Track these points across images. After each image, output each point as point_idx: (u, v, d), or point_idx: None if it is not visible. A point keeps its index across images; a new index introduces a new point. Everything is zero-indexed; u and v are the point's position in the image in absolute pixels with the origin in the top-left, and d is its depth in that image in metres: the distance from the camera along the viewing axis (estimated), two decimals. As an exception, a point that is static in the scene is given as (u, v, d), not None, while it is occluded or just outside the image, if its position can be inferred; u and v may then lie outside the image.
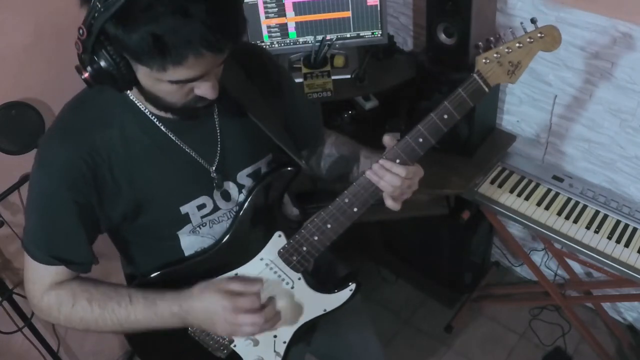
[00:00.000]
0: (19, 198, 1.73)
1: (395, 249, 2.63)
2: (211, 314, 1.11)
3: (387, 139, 1.12)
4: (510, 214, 1.93)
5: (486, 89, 1.09)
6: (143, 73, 0.93)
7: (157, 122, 1.06)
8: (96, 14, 0.87)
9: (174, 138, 1.08)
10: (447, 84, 1.91)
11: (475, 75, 1.08)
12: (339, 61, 2.10)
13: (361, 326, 1.51)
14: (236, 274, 1.20)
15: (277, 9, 1.99)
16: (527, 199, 1.96)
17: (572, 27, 1.83)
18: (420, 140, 1.10)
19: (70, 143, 1.03)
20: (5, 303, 1.81)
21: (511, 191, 1.99)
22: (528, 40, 1.07)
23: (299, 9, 2.00)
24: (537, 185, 2.01)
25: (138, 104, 1.05)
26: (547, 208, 1.93)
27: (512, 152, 2.18)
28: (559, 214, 1.91)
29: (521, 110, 2.14)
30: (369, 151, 1.30)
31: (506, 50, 1.07)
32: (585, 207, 1.93)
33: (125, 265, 1.31)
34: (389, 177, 1.10)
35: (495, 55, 1.08)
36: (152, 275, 1.18)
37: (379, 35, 2.06)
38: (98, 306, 1.11)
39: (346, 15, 2.01)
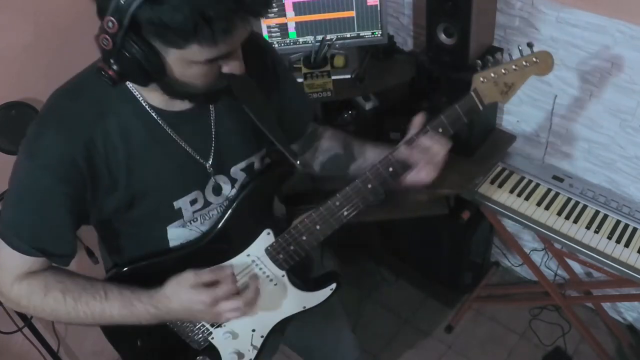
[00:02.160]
0: (19, 198, 1.73)
1: (395, 249, 2.63)
2: (191, 311, 1.11)
3: (418, 118, 1.12)
4: (511, 214, 1.93)
5: (480, 107, 1.13)
6: (175, 58, 0.91)
7: (154, 115, 1.05)
8: (123, 2, 0.83)
9: (169, 131, 1.07)
10: (447, 83, 1.92)
11: (472, 94, 1.12)
12: (339, 61, 2.10)
13: (336, 320, 1.55)
14: None
15: (277, 9, 1.99)
16: (527, 199, 1.96)
17: (572, 27, 1.83)
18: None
19: (67, 134, 0.99)
20: (5, 303, 1.81)
21: (511, 191, 1.99)
22: (524, 63, 1.11)
23: (299, 9, 2.00)
24: (537, 185, 2.01)
25: (136, 95, 1.03)
26: (547, 208, 1.93)
27: (512, 152, 2.18)
28: (559, 214, 1.91)
29: (521, 110, 2.14)
30: (372, 147, 1.30)
31: (503, 71, 1.11)
32: (585, 207, 1.93)
33: (107, 258, 1.28)
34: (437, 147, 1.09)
35: (492, 75, 1.11)
36: (128, 268, 1.17)
37: (379, 35, 2.06)
38: (72, 298, 1.08)
39: (350, 15, 2.01)
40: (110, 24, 0.86)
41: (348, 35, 2.05)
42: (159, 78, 0.94)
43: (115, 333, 1.26)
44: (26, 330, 1.90)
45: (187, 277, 1.11)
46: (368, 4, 1.99)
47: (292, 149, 1.20)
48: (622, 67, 1.79)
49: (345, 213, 1.15)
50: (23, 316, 1.87)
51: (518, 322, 2.45)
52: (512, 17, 1.96)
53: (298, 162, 1.15)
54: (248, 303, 1.14)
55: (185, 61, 0.92)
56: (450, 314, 2.50)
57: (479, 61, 1.13)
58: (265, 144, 1.21)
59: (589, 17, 1.78)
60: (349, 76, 2.06)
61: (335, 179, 1.33)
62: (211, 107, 1.12)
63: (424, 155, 1.09)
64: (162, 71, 0.93)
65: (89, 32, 1.82)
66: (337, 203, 1.15)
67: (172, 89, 0.98)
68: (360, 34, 2.05)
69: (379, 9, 2.00)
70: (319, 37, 2.00)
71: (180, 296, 1.10)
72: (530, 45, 1.11)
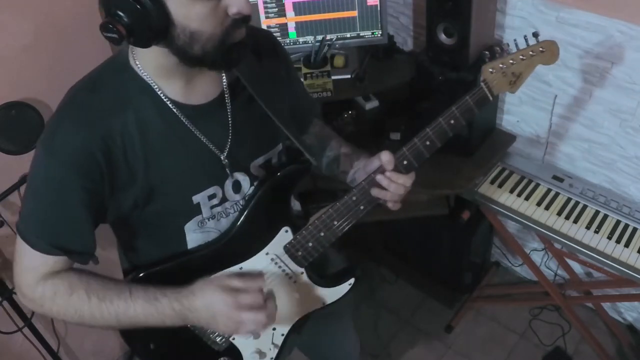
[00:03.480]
0: (19, 198, 1.73)
1: (395, 249, 2.63)
2: (213, 311, 1.08)
3: (386, 155, 1.15)
4: (510, 214, 1.93)
5: (490, 98, 1.15)
6: None
7: (172, 107, 1.04)
8: None
9: (187, 124, 1.06)
10: (447, 84, 1.92)
11: (482, 84, 1.14)
12: (339, 61, 2.10)
13: (344, 319, 1.58)
14: (241, 268, 1.20)
15: (277, 9, 1.99)
16: (527, 199, 1.96)
17: (572, 27, 1.83)
18: (428, 143, 1.15)
19: (85, 128, 0.98)
20: (5, 303, 1.81)
21: (511, 191, 1.99)
22: (530, 53, 1.13)
23: (299, 9, 2.00)
24: (537, 185, 2.02)
25: (154, 87, 1.03)
26: (547, 208, 1.93)
27: (512, 152, 2.18)
28: (559, 214, 1.91)
29: (521, 110, 2.14)
30: (349, 148, 1.33)
31: (510, 61, 1.13)
32: (585, 207, 1.93)
33: (124, 259, 1.27)
34: (394, 187, 1.15)
35: (500, 65, 1.13)
36: (146, 273, 1.16)
37: (379, 35, 2.06)
38: (97, 297, 1.06)
39: (352, 15, 2.01)
40: None
41: (348, 35, 2.05)
42: (162, 26, 0.91)
43: (133, 333, 1.22)
44: (26, 330, 1.89)
45: (217, 277, 1.12)
46: (368, 4, 1.99)
47: (308, 145, 1.21)
48: (622, 67, 1.79)
49: (362, 207, 1.18)
50: (23, 316, 1.87)
51: (518, 322, 2.45)
52: (512, 17, 1.96)
53: (313, 159, 1.17)
54: (270, 317, 1.13)
55: None
56: (450, 314, 2.50)
57: (487, 52, 1.15)
58: (281, 140, 1.22)
59: (589, 17, 1.78)
60: (349, 76, 2.06)
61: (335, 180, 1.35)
62: (228, 102, 1.12)
63: (399, 195, 1.17)
64: (164, 13, 0.90)
65: (89, 32, 1.83)
66: (354, 198, 1.17)
67: (182, 48, 0.95)
68: (360, 34, 2.05)
69: (379, 9, 2.00)
70: (319, 37, 2.00)
71: (205, 294, 1.08)
72: (535, 35, 1.13)
